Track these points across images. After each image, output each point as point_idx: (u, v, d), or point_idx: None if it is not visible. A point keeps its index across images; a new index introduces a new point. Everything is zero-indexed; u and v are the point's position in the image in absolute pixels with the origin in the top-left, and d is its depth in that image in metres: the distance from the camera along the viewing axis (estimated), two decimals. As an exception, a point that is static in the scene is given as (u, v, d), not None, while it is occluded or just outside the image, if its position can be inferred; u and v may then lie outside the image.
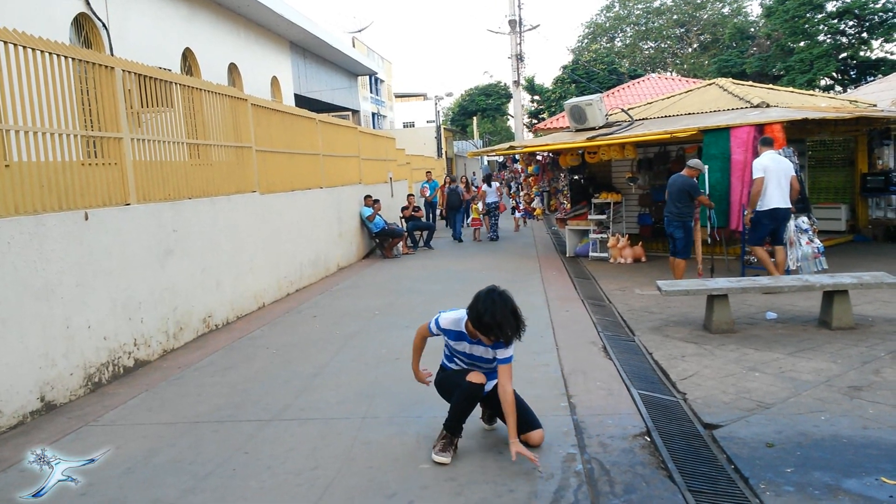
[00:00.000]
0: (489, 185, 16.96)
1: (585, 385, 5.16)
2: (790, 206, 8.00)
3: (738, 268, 9.49)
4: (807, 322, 6.81)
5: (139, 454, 4.22)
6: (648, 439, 4.10)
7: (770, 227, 8.13)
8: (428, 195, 18.84)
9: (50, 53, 5.37)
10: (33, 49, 5.18)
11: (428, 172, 20.53)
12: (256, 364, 6.23)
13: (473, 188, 19.03)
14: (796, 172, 8.94)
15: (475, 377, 3.92)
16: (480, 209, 17.02)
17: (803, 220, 8.41)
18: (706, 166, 9.05)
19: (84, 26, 11.09)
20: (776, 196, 7.95)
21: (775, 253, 8.15)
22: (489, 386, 4.03)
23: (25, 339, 4.87)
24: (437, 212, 19.40)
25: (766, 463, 3.72)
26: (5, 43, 4.91)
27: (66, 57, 5.57)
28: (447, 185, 17.80)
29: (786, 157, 8.59)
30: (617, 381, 5.21)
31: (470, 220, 18.13)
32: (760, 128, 8.89)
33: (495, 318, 3.67)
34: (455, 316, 3.99)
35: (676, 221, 8.63)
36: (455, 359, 4.15)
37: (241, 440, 4.38)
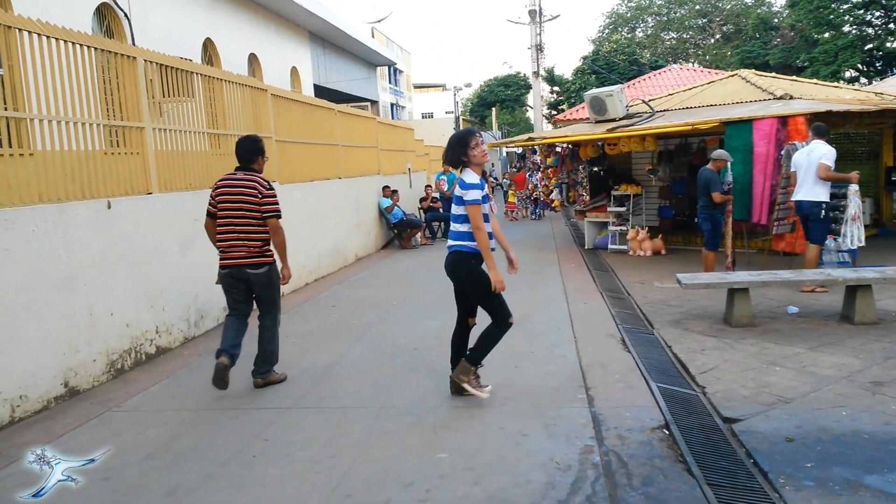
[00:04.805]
0: (533, 176, 19.66)
1: (603, 377, 5.14)
2: (813, 199, 7.70)
3: (759, 261, 9.39)
4: (829, 316, 6.73)
5: (160, 440, 4.27)
6: (667, 432, 4.08)
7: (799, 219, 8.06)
8: (445, 189, 15.56)
9: (73, 43, 5.42)
10: (56, 39, 5.24)
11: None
12: (275, 353, 6.26)
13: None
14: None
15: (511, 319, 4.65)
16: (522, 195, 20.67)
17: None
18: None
19: (106, 16, 11.18)
20: (798, 189, 7.83)
21: (807, 249, 7.92)
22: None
23: (48, 326, 4.95)
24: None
25: (785, 457, 3.69)
26: (29, 33, 4.96)
27: (88, 47, 5.62)
28: None
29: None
30: (635, 374, 5.19)
31: (506, 204, 21.03)
32: (784, 120, 8.75)
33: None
34: (470, 178, 4.71)
35: (703, 214, 8.66)
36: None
37: (261, 427, 4.42)
